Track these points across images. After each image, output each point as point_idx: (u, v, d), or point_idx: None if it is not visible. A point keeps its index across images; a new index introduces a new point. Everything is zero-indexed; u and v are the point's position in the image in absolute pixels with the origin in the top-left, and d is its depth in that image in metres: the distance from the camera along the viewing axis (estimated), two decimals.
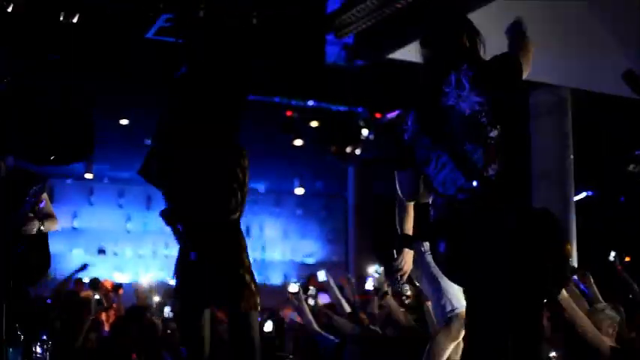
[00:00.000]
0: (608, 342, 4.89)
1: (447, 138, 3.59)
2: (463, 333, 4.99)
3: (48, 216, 6.08)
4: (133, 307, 9.51)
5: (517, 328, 3.55)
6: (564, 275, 3.57)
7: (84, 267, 9.31)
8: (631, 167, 11.44)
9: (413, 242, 5.06)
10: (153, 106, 9.96)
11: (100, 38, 7.90)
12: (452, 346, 5.12)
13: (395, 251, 5.16)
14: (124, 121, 10.79)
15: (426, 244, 5.25)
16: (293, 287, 7.65)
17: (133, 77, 8.98)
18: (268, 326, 8.13)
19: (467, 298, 3.78)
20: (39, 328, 6.34)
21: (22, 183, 5.76)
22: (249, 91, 7.66)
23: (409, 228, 5.10)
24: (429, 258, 5.19)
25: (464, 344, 3.83)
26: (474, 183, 3.48)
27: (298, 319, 8.12)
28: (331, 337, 7.45)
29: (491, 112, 3.51)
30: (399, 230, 5.17)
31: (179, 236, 5.38)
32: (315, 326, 7.70)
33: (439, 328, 5.20)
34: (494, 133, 3.51)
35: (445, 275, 3.87)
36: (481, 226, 3.46)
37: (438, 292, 5.17)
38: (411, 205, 5.15)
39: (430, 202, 3.76)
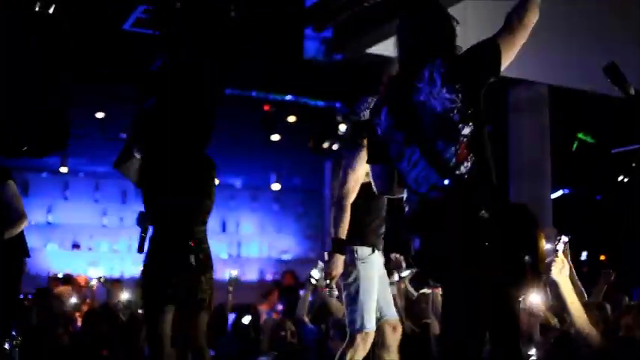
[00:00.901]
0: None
1: (420, 134, 3.56)
2: (367, 349, 5.32)
3: (17, 214, 5.94)
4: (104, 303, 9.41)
5: (495, 324, 3.53)
6: (539, 268, 3.54)
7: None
8: (621, 177, 11.52)
9: (344, 247, 5.21)
10: (129, 99, 9.94)
11: (76, 29, 7.80)
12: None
13: (326, 254, 5.19)
14: (100, 114, 10.68)
15: (361, 251, 5.36)
16: (315, 273, 7.52)
17: (110, 69, 8.88)
18: (246, 320, 8.12)
19: (443, 295, 3.76)
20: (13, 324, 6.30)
21: None
22: (224, 90, 7.62)
23: (343, 232, 5.20)
24: (362, 267, 5.29)
25: (441, 343, 3.82)
26: (446, 181, 3.45)
27: (275, 315, 8.12)
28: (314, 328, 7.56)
29: (463, 109, 3.47)
30: (332, 233, 5.23)
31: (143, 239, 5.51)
32: (305, 318, 7.78)
33: (345, 343, 5.32)
34: (466, 131, 3.48)
35: (421, 271, 3.84)
36: (454, 223, 3.43)
37: (355, 304, 5.29)
38: (348, 207, 5.19)
39: (404, 198, 3.73)
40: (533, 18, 3.52)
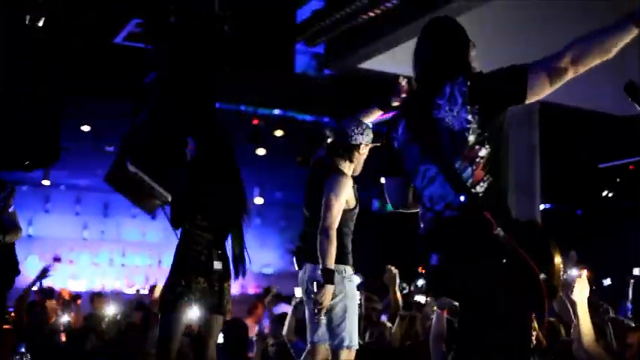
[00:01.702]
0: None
1: (437, 152, 3.54)
2: None
3: (13, 225, 5.95)
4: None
5: (507, 342, 3.52)
6: (554, 283, 3.53)
7: (45, 271, 8.98)
8: (605, 192, 11.64)
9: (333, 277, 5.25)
10: (117, 113, 9.89)
11: (66, 42, 7.75)
12: None
13: (316, 285, 5.18)
14: (86, 128, 10.60)
15: (347, 270, 5.40)
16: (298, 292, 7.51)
17: (98, 83, 8.82)
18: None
19: (459, 312, 3.74)
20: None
21: None
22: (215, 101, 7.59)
23: (332, 262, 5.20)
24: (348, 285, 5.37)
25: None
26: (462, 198, 3.43)
27: (266, 329, 8.09)
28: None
29: (480, 131, 3.46)
30: (322, 263, 5.20)
31: None
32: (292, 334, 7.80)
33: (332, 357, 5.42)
34: (482, 152, 3.46)
35: (434, 289, 3.82)
36: (470, 241, 3.42)
37: (343, 321, 5.34)
38: (335, 236, 5.20)
39: (419, 214, 3.72)
40: (588, 66, 3.33)
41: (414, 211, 3.82)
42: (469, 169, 3.46)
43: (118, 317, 8.93)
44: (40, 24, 7.42)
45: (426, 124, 3.57)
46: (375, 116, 5.69)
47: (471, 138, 3.45)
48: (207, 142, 5.91)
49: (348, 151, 5.45)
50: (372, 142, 5.50)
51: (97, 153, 11.36)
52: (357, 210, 5.53)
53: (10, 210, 5.83)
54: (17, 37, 7.07)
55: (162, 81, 7.18)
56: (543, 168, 9.92)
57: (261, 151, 11.62)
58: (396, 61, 8.46)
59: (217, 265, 5.59)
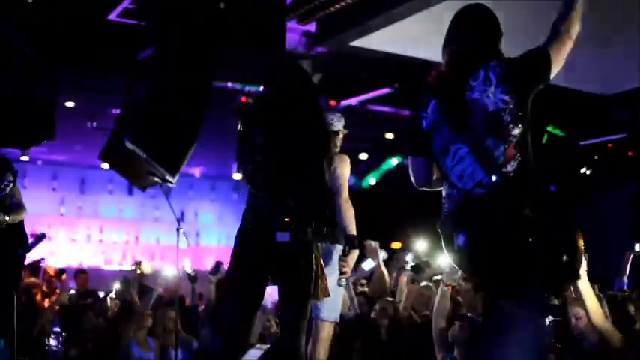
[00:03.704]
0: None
1: (469, 131, 3.63)
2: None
3: (17, 205, 5.89)
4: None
5: (528, 320, 3.61)
6: (577, 267, 3.64)
7: (42, 237, 8.72)
8: (584, 170, 11.79)
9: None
10: (102, 88, 9.85)
11: (58, 19, 7.70)
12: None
13: (342, 250, 5.40)
14: (70, 104, 10.53)
15: (338, 247, 5.55)
16: None
17: (87, 59, 8.77)
18: None
19: (484, 294, 3.84)
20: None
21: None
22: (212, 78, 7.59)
23: (355, 229, 5.41)
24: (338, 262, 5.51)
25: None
26: (493, 177, 3.52)
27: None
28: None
29: (515, 111, 3.56)
30: (348, 230, 5.39)
31: None
32: None
33: (321, 332, 5.59)
34: (515, 131, 3.56)
35: (462, 268, 3.89)
36: (499, 220, 3.52)
37: (337, 296, 5.52)
38: (351, 206, 5.44)
39: (444, 194, 3.80)
40: (577, 29, 3.66)
41: (436, 189, 3.90)
42: (501, 148, 3.55)
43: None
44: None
45: (459, 104, 3.66)
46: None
47: (507, 117, 3.55)
48: None
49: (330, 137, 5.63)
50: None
51: (77, 129, 11.27)
52: None
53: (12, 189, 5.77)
54: (11, 13, 7.03)
55: (160, 57, 7.16)
56: None
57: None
58: (387, 40, 8.55)
59: (282, 236, 4.52)
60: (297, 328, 4.56)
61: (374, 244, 8.54)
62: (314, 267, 4.56)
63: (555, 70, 3.63)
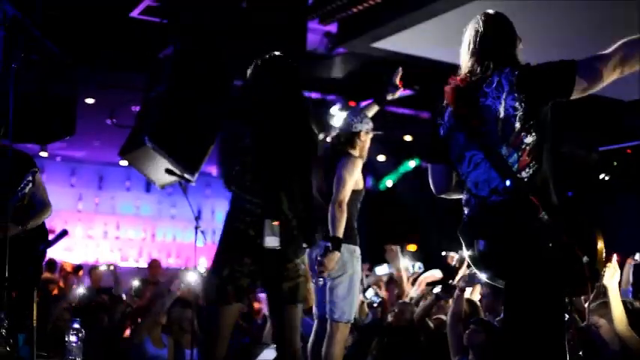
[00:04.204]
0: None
1: (483, 137, 3.62)
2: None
3: (41, 203, 5.77)
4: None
5: (546, 324, 3.60)
6: (597, 270, 3.63)
7: (64, 234, 8.71)
8: (602, 176, 11.74)
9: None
10: (123, 86, 9.87)
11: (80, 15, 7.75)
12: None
13: (324, 250, 5.56)
14: (90, 100, 10.56)
15: (357, 250, 5.78)
16: None
17: (108, 56, 8.79)
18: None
19: (505, 295, 3.82)
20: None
21: (21, 167, 5.51)
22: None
23: (341, 232, 5.58)
24: (357, 263, 5.79)
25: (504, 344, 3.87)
26: (508, 182, 3.51)
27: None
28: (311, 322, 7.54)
29: (524, 118, 3.53)
30: (332, 231, 5.56)
31: None
32: None
33: (331, 333, 5.72)
34: (528, 139, 3.54)
35: (482, 273, 3.88)
36: (516, 225, 3.51)
37: (348, 297, 5.72)
38: (345, 210, 5.60)
39: (463, 200, 3.80)
40: (634, 69, 3.44)
41: (455, 197, 3.90)
42: (515, 155, 3.54)
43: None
44: None
45: (473, 111, 3.66)
46: (374, 111, 6.20)
47: (517, 125, 3.53)
48: None
49: (351, 137, 5.91)
50: (373, 130, 6.02)
51: (96, 125, 11.30)
52: (363, 192, 5.94)
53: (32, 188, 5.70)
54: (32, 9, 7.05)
55: (181, 56, 7.18)
56: None
57: None
58: (408, 42, 8.54)
59: (271, 241, 4.36)
60: (291, 332, 4.51)
61: (394, 248, 8.52)
62: (301, 273, 4.49)
63: (580, 94, 3.50)
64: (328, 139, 6.13)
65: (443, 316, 6.97)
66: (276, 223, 4.33)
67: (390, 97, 6.16)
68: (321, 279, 5.56)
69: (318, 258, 5.51)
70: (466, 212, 3.76)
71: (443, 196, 4.00)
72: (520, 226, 3.50)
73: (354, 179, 5.74)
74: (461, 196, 3.82)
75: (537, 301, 3.54)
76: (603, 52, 3.45)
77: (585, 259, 3.47)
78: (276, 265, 4.39)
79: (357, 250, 5.80)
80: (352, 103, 10.41)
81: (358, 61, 9.20)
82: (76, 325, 4.16)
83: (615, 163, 11.74)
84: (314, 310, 5.98)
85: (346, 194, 5.63)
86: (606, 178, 11.82)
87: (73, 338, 4.11)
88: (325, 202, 5.68)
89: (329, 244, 5.53)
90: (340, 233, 5.53)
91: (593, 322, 5.10)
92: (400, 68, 6.07)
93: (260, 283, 4.46)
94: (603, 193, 12.44)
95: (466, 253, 3.77)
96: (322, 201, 5.74)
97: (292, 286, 4.45)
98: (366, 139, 5.96)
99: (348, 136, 5.92)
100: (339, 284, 5.68)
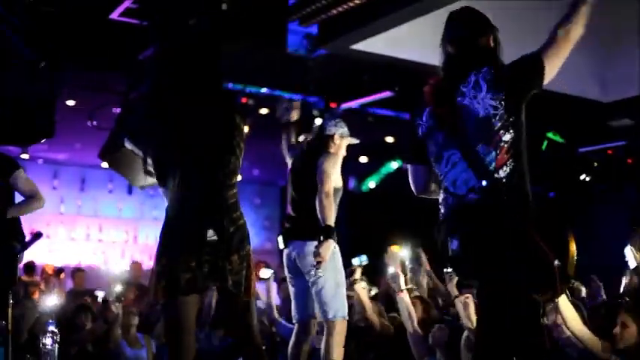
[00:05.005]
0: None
1: (460, 137, 3.65)
2: None
3: (30, 196, 5.88)
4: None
5: (521, 325, 3.61)
6: (569, 272, 3.65)
7: (38, 236, 8.63)
8: (583, 177, 11.78)
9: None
10: (103, 88, 9.85)
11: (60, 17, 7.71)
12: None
13: (318, 241, 5.57)
14: (71, 102, 10.52)
15: (336, 246, 5.74)
16: (264, 273, 7.70)
17: (88, 58, 8.77)
18: None
19: (478, 295, 3.85)
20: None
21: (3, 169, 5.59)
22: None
23: (333, 220, 5.65)
24: (338, 259, 5.82)
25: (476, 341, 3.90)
26: (484, 182, 3.54)
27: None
28: (290, 326, 7.51)
29: (504, 117, 3.57)
30: (323, 221, 5.62)
31: None
32: (275, 314, 7.81)
33: (329, 332, 5.73)
34: (506, 137, 3.58)
35: (456, 272, 3.92)
36: (491, 226, 3.53)
37: (338, 292, 5.76)
38: (332, 200, 5.70)
39: (440, 199, 3.81)
40: (579, 32, 3.58)
41: (435, 197, 3.92)
42: (492, 154, 3.57)
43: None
44: None
45: (450, 110, 3.68)
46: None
47: (497, 123, 3.57)
48: None
49: (325, 139, 6.02)
50: (349, 136, 6.14)
51: (77, 127, 11.26)
52: (341, 191, 6.00)
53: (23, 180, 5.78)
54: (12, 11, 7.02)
55: (161, 57, 7.17)
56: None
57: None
58: (388, 44, 8.55)
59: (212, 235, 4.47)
60: (248, 324, 4.65)
61: (394, 249, 8.54)
62: (244, 265, 4.57)
63: (550, 75, 3.61)
64: (301, 138, 6.24)
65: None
66: (216, 216, 4.50)
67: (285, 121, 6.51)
68: (320, 271, 5.56)
69: (315, 248, 5.53)
70: (442, 211, 3.79)
71: (423, 195, 4.03)
72: (493, 228, 3.53)
73: (336, 174, 5.86)
74: (440, 196, 3.85)
75: (510, 302, 3.56)
76: (550, 35, 3.59)
77: (557, 262, 3.49)
78: (220, 258, 4.49)
79: (336, 246, 5.79)
80: (333, 105, 10.43)
81: (339, 62, 9.19)
82: (52, 328, 4.13)
83: (596, 164, 11.80)
84: (293, 314, 6.02)
85: (331, 186, 5.72)
86: (587, 179, 11.87)
87: (48, 341, 4.09)
88: (307, 201, 5.77)
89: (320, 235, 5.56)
90: (331, 222, 5.58)
91: (552, 321, 5.13)
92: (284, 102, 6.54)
93: (209, 276, 4.54)
94: (584, 193, 12.51)
95: (440, 252, 3.80)
96: (303, 199, 5.78)
97: (237, 279, 4.54)
98: (340, 143, 6.04)
99: (323, 138, 6.03)
100: (325, 283, 5.70)
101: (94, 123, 11.34)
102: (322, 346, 5.75)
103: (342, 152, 6.06)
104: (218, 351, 7.53)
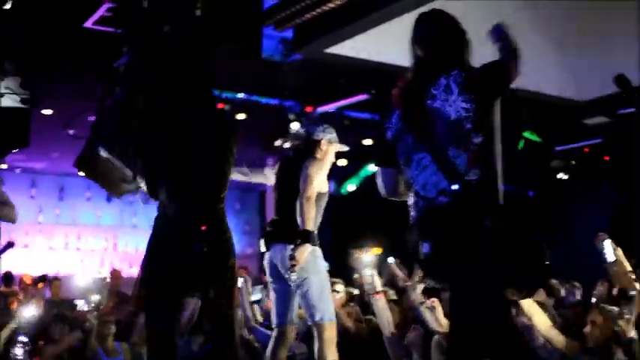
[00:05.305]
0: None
1: (431, 140, 3.66)
2: None
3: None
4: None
5: (492, 325, 3.63)
6: (542, 272, 3.68)
7: (10, 245, 8.58)
8: (560, 175, 11.86)
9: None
10: (79, 96, 9.81)
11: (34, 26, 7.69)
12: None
13: (295, 244, 5.54)
14: (48, 111, 10.48)
15: (317, 250, 5.72)
16: (255, 295, 7.75)
17: (64, 67, 8.74)
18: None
19: (450, 298, 3.86)
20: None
21: None
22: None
23: (312, 225, 5.62)
24: (320, 262, 5.78)
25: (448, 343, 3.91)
26: (456, 186, 3.55)
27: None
28: (268, 332, 7.50)
29: (476, 119, 3.58)
30: (302, 224, 5.58)
31: None
32: (252, 322, 7.80)
33: (319, 336, 5.67)
34: (477, 140, 3.59)
35: (427, 275, 3.93)
36: (461, 228, 3.54)
37: (322, 298, 5.70)
38: (314, 205, 5.63)
39: (410, 202, 3.82)
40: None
41: (405, 200, 3.93)
42: (463, 157, 3.59)
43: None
44: (8, 6, 7.34)
45: (421, 113, 3.69)
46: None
47: (468, 126, 3.58)
48: None
49: (312, 145, 5.97)
50: (337, 142, 6.07)
51: (55, 136, 11.23)
52: (327, 197, 5.92)
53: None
54: None
55: (136, 65, 7.14)
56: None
57: None
58: (363, 47, 8.57)
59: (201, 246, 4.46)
60: (231, 335, 4.58)
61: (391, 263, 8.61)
62: (229, 275, 4.55)
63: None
64: (287, 145, 6.19)
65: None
66: (203, 227, 4.46)
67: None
68: (294, 274, 5.56)
69: (290, 251, 5.52)
70: (413, 214, 3.79)
71: (392, 198, 4.03)
72: (463, 230, 3.54)
73: (319, 180, 5.80)
74: (410, 199, 3.86)
75: (483, 303, 3.58)
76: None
77: (527, 264, 3.52)
78: (206, 269, 4.48)
79: (318, 249, 5.78)
80: (309, 109, 10.44)
81: (315, 66, 9.19)
82: (22, 338, 4.09)
83: (573, 163, 11.87)
84: (273, 319, 6.00)
85: (314, 192, 5.68)
86: (564, 177, 11.94)
87: (19, 351, 4.05)
88: (290, 205, 5.74)
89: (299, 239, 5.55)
90: (310, 227, 5.57)
91: (520, 322, 5.15)
92: None
93: (194, 287, 4.62)
94: (562, 192, 12.59)
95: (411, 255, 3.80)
96: (287, 203, 5.80)
97: (220, 290, 4.53)
98: (327, 149, 5.98)
99: (310, 143, 5.99)
100: (309, 287, 5.70)
101: (72, 131, 11.31)
102: (315, 351, 5.74)
103: (330, 158, 6.01)
104: (197, 357, 7.49)
